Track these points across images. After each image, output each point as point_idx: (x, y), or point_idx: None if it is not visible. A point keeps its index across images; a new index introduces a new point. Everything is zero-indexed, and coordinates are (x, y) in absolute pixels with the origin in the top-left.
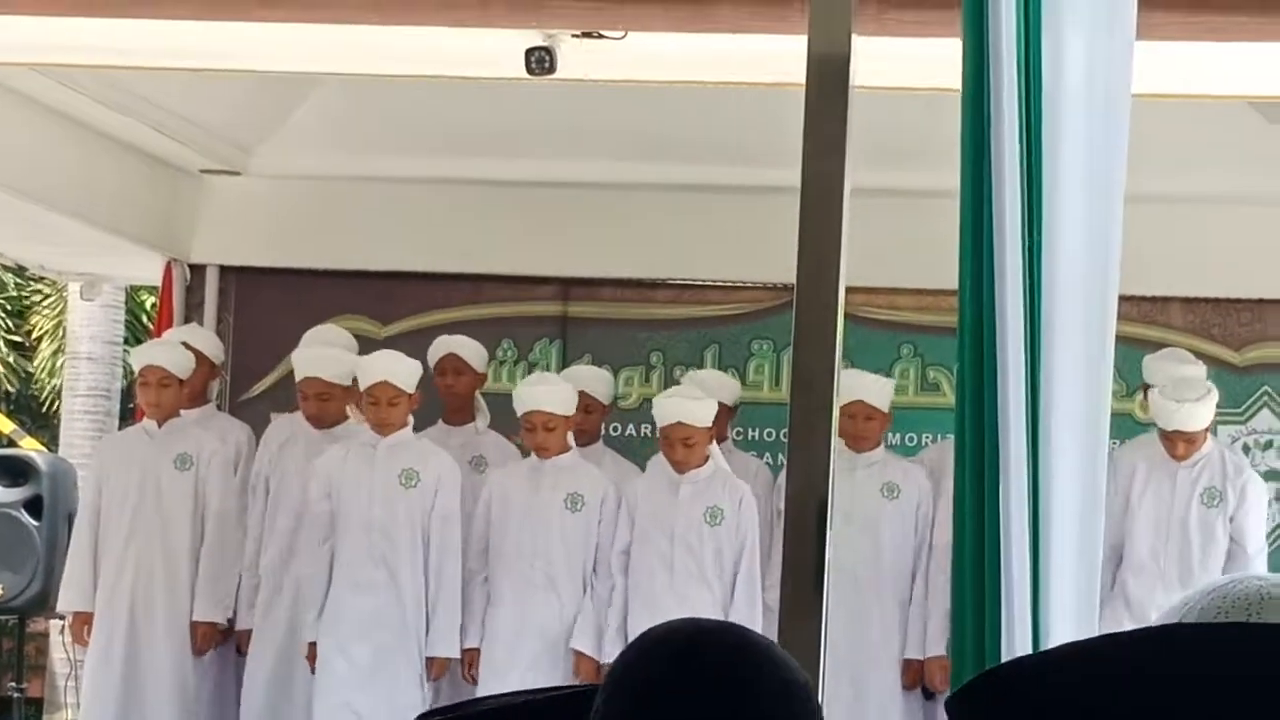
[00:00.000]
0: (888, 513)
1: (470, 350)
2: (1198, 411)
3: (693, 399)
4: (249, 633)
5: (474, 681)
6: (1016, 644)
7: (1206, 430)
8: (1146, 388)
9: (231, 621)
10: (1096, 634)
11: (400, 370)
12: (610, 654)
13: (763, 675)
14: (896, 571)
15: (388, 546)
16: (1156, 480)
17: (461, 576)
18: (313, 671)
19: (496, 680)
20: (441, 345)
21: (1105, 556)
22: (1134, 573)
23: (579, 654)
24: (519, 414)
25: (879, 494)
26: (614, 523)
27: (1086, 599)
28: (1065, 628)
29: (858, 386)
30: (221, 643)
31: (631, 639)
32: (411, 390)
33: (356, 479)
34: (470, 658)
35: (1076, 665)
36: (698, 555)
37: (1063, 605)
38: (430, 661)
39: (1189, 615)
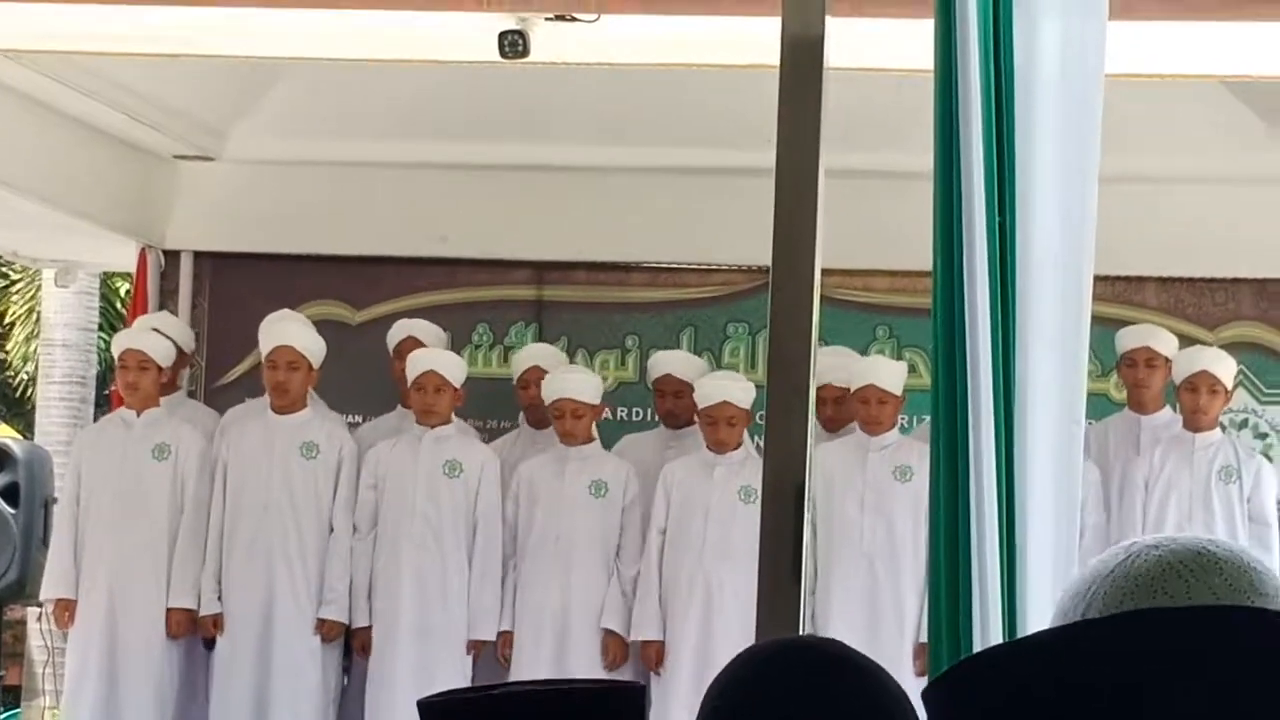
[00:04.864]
0: (900, 496)
1: (428, 333)
2: (1224, 359)
3: (736, 381)
4: (213, 619)
5: (506, 664)
6: (990, 628)
7: (1229, 395)
8: (1121, 360)
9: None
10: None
11: (446, 361)
12: (640, 631)
13: (857, 686)
14: (913, 556)
15: (432, 534)
16: (1175, 460)
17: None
18: (365, 657)
19: (528, 660)
20: (401, 329)
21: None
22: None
23: (608, 632)
24: (548, 401)
25: (891, 477)
26: (637, 508)
27: (1063, 579)
28: (1043, 610)
29: (869, 370)
30: (193, 630)
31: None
32: (458, 384)
33: (402, 469)
34: (504, 639)
35: (1049, 653)
36: (728, 530)
37: (1040, 587)
38: (471, 644)
39: (1094, 602)
